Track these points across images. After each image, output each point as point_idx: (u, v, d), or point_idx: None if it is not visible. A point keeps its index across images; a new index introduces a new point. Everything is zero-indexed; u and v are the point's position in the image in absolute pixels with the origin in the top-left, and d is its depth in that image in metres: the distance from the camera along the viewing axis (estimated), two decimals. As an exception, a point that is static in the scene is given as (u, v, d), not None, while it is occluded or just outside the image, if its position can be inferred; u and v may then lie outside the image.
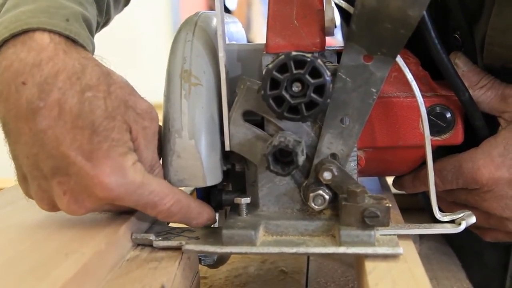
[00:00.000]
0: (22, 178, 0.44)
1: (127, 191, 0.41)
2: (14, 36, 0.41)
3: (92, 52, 0.46)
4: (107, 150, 0.41)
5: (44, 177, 0.42)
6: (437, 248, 0.67)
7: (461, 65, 0.51)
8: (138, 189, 0.42)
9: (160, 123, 0.48)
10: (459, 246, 0.66)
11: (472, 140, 0.52)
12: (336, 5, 0.48)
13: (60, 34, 0.42)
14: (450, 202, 0.56)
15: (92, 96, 0.41)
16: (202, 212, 0.47)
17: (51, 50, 0.41)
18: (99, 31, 0.57)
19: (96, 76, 0.42)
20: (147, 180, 0.43)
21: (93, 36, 0.48)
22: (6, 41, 0.41)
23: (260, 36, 3.82)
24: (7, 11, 0.43)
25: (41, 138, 0.40)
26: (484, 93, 0.51)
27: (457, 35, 0.54)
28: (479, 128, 0.51)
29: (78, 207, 0.42)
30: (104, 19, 0.56)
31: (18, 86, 0.40)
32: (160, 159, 0.47)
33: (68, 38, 0.42)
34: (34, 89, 0.40)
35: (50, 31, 0.41)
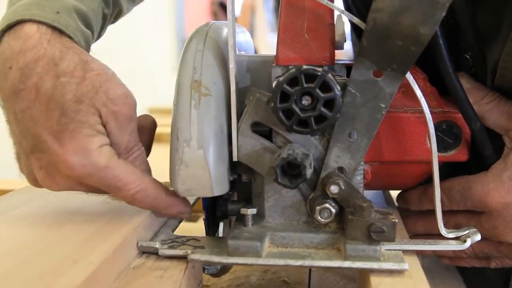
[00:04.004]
0: (17, 156, 0.48)
1: (89, 172, 0.44)
2: (10, 27, 0.46)
3: (87, 40, 0.50)
4: (73, 131, 0.44)
5: (26, 153, 0.46)
6: (438, 263, 0.67)
7: (464, 82, 0.51)
8: (101, 172, 0.44)
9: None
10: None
11: (480, 160, 0.52)
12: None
13: (48, 25, 0.45)
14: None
15: (66, 81, 0.44)
16: (173, 205, 0.48)
17: (36, 39, 0.45)
18: (112, 22, 0.62)
19: (73, 63, 0.45)
20: (112, 164, 0.45)
21: (91, 27, 0.52)
22: (4, 31, 0.46)
23: (264, 43, 3.84)
24: (11, 5, 0.48)
25: (21, 118, 0.44)
26: (490, 109, 0.51)
27: (467, 56, 0.54)
28: (489, 156, 0.51)
29: (51, 181, 0.46)
30: (114, 11, 0.59)
31: (6, 71, 0.44)
32: (138, 143, 0.49)
33: (55, 28, 0.46)
34: (17, 73, 0.44)
35: (39, 22, 0.45)
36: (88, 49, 0.51)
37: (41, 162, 0.45)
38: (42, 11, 0.46)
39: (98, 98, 0.45)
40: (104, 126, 0.46)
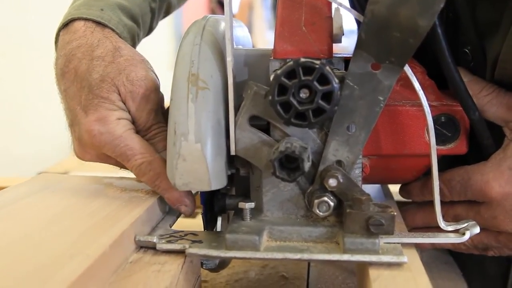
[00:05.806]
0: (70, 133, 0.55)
1: (106, 140, 0.50)
2: (65, 25, 0.55)
3: (131, 31, 0.58)
4: (96, 105, 0.51)
5: (69, 127, 0.54)
6: (437, 257, 0.67)
7: (462, 76, 0.50)
8: (116, 140, 0.50)
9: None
10: (460, 255, 0.66)
11: (480, 152, 0.51)
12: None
13: (93, 20, 0.54)
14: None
15: (97, 64, 0.52)
16: (175, 191, 0.50)
17: (82, 32, 0.54)
18: (163, 16, 0.71)
19: (106, 50, 0.52)
20: (126, 135, 0.50)
21: (136, 20, 0.60)
22: (60, 30, 0.56)
23: (261, 39, 3.83)
24: (68, 8, 0.58)
25: (64, 96, 0.53)
26: (489, 101, 0.51)
27: (467, 50, 0.54)
28: (488, 146, 0.51)
29: (84, 151, 0.53)
30: (161, 5, 0.67)
31: (57, 58, 0.54)
32: (159, 123, 0.53)
33: (99, 23, 0.54)
34: (63, 58, 0.53)
35: (86, 19, 0.54)
36: (133, 38, 0.60)
37: (76, 134, 0.52)
38: (89, 9, 0.55)
39: (119, 78, 0.51)
40: (125, 104, 0.51)
